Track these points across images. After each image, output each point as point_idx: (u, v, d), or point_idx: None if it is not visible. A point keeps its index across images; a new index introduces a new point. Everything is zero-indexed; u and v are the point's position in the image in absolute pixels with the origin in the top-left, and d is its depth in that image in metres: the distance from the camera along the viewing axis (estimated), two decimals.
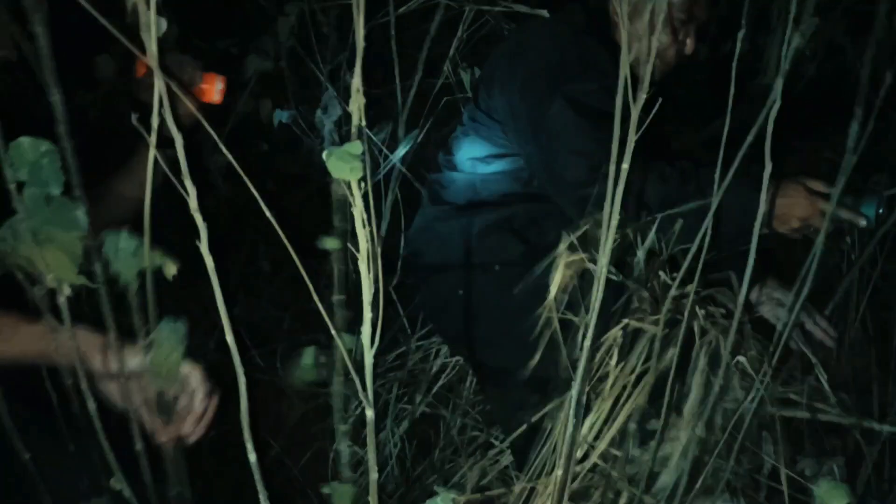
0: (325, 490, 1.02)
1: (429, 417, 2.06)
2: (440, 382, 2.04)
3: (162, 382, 0.93)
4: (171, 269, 0.78)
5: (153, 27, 0.61)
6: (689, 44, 1.69)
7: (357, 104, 0.58)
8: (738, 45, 1.08)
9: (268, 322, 2.20)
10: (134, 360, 1.00)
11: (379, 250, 0.68)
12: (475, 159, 1.80)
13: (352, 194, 0.66)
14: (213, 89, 1.40)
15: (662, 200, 1.49)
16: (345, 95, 2.21)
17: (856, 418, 1.43)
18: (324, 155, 0.59)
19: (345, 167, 0.57)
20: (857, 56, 2.27)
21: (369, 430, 0.78)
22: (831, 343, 1.73)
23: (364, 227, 0.67)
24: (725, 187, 1.25)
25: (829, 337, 1.72)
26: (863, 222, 1.50)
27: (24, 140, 0.70)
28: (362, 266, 0.69)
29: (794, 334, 1.73)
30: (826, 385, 1.45)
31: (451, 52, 2.08)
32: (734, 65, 1.07)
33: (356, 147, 0.58)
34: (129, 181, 1.41)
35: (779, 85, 0.96)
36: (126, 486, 0.88)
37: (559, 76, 1.60)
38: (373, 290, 0.71)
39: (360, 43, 0.58)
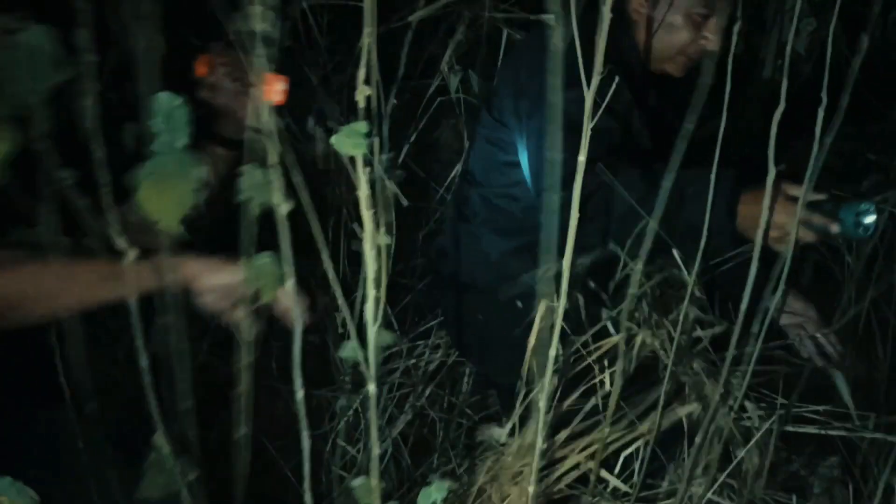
0: (354, 484, 1.01)
1: (424, 417, 2.08)
2: (436, 380, 2.06)
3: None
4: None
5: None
6: (713, 39, 1.67)
7: (362, 94, 0.62)
8: (734, 39, 1.11)
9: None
10: (233, 275, 1.18)
11: (383, 230, 0.72)
12: (490, 169, 1.82)
13: (356, 175, 0.69)
14: (275, 89, 1.40)
15: (627, 209, 1.51)
16: (337, 101, 2.24)
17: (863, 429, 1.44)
18: (332, 138, 0.64)
19: (349, 143, 0.61)
20: (852, 55, 2.30)
21: (372, 404, 0.82)
22: (837, 356, 1.75)
23: (368, 208, 0.71)
24: (694, 192, 1.28)
25: (835, 350, 1.74)
26: (835, 228, 1.39)
27: (163, 94, 0.78)
28: (366, 245, 0.73)
29: (807, 345, 1.76)
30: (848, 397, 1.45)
31: (448, 54, 2.11)
32: (730, 61, 1.09)
33: (362, 126, 0.62)
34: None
35: (783, 87, 0.99)
36: (167, 444, 0.92)
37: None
38: (375, 268, 0.74)
39: (367, 46, 0.62)
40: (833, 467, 1.57)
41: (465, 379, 2.14)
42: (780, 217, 1.39)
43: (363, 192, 0.71)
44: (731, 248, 1.40)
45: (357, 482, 0.95)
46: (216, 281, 1.21)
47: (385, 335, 0.84)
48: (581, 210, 1.55)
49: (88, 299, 1.16)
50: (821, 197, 1.40)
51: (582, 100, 1.57)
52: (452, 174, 2.26)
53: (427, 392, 2.12)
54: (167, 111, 0.76)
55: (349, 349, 0.85)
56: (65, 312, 1.11)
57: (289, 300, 1.13)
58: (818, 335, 1.74)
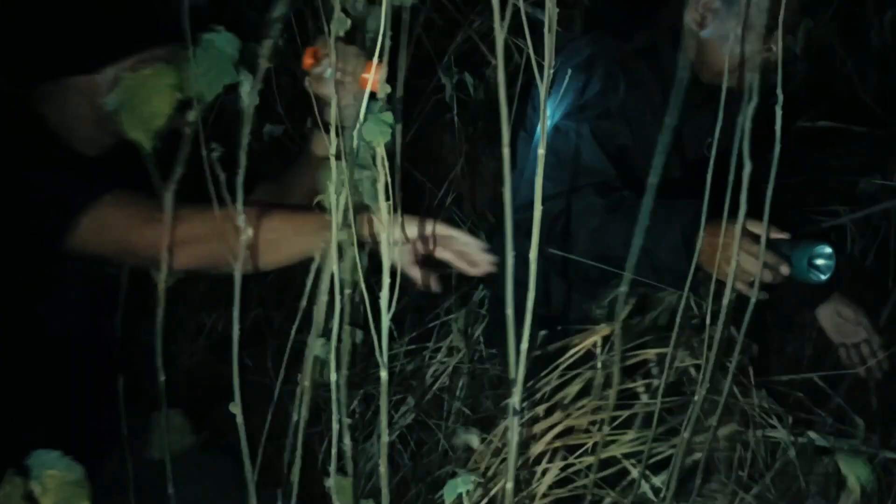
0: (328, 484, 1.05)
1: (422, 421, 2.09)
2: (436, 385, 2.08)
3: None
4: None
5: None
6: (777, 50, 1.54)
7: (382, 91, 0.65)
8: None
9: (257, 322, 2.23)
10: (411, 229, 1.19)
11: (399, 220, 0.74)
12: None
13: (376, 165, 0.72)
14: (377, 78, 1.42)
15: (590, 233, 1.54)
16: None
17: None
18: (359, 126, 0.67)
19: (376, 130, 0.64)
20: (846, 57, 2.33)
21: (383, 393, 0.84)
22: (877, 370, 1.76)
23: (387, 198, 0.74)
24: (653, 224, 1.30)
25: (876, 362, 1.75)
26: (785, 270, 1.37)
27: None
28: (382, 234, 0.76)
29: (851, 353, 1.78)
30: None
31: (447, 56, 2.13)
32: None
33: (388, 116, 0.65)
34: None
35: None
36: (240, 412, 0.96)
37: (572, 105, 1.65)
38: (391, 260, 0.77)
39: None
40: None
41: (462, 381, 2.15)
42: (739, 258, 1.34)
43: (381, 180, 0.74)
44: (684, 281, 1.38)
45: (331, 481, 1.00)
46: (406, 234, 1.21)
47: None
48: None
49: (283, 251, 1.19)
50: (783, 236, 1.39)
51: (587, 136, 1.60)
52: (451, 176, 2.29)
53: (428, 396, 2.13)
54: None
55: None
56: (263, 264, 1.17)
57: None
58: (863, 343, 1.75)
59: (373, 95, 1.56)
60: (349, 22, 0.79)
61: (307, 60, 1.40)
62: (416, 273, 1.26)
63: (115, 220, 1.20)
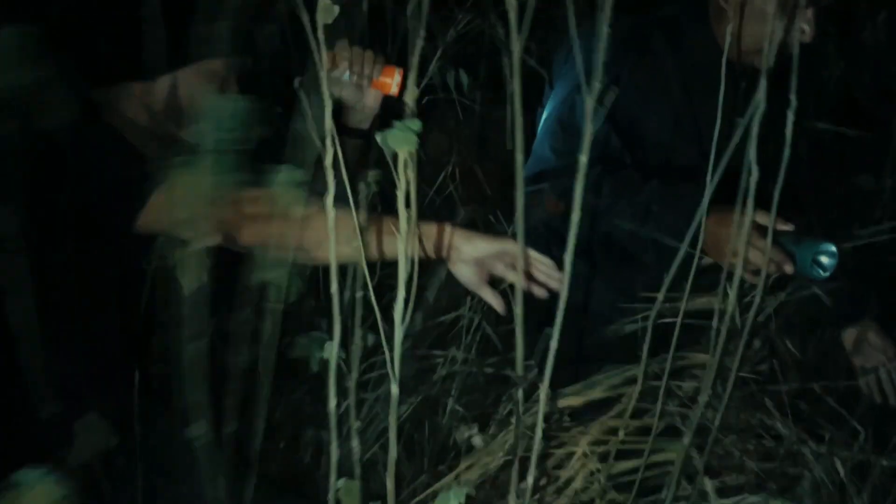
0: (338, 486, 1.02)
1: (417, 418, 2.07)
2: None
3: None
4: None
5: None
6: (809, 31, 1.55)
7: (411, 96, 0.62)
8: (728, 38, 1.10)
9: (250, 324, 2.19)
10: (481, 246, 1.26)
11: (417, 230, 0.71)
12: None
13: (397, 173, 0.69)
14: (393, 82, 1.48)
15: (595, 213, 1.53)
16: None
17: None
18: (377, 136, 0.64)
19: (402, 139, 0.61)
20: (839, 57, 2.32)
21: (392, 408, 0.81)
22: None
23: (406, 207, 0.71)
24: (659, 209, 1.29)
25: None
26: (789, 269, 1.38)
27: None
28: (399, 245, 0.73)
29: (871, 380, 1.76)
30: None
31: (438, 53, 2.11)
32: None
33: (415, 123, 0.62)
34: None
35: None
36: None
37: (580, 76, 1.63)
38: (408, 271, 0.74)
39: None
40: None
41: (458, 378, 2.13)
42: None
43: (402, 189, 0.71)
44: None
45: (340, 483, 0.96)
46: (475, 252, 1.26)
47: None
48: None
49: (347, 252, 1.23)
50: (787, 228, 1.40)
51: (579, 102, 1.58)
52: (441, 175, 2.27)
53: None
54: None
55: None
56: (320, 260, 1.20)
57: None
58: (882, 370, 1.74)
59: (390, 98, 1.59)
60: (336, 9, 0.76)
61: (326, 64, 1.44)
62: (487, 294, 1.29)
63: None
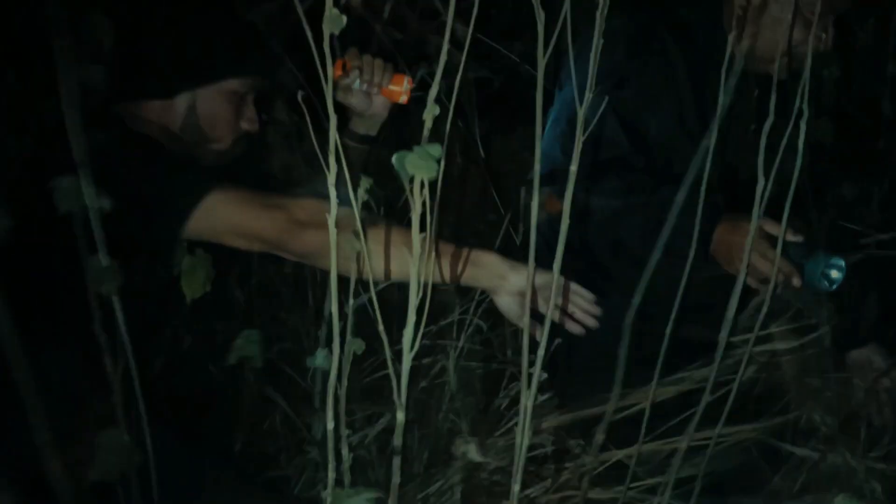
0: (325, 494, 1.01)
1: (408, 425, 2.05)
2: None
3: None
4: None
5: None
6: (826, 38, 1.53)
7: (430, 115, 0.60)
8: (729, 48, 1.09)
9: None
10: (520, 280, 1.25)
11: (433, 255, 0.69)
12: None
13: (412, 196, 0.67)
14: (402, 90, 1.51)
15: (605, 220, 1.53)
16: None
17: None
18: (394, 158, 0.62)
19: (423, 165, 0.59)
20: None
21: (397, 434, 0.79)
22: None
23: (420, 231, 0.68)
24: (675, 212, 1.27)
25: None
26: (797, 282, 1.38)
27: None
28: (413, 270, 0.71)
29: (870, 398, 1.74)
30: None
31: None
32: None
33: (436, 149, 0.60)
34: None
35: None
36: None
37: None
38: (420, 296, 0.72)
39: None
40: None
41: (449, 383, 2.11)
42: (752, 258, 1.38)
43: (416, 214, 0.68)
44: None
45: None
46: (522, 283, 1.24)
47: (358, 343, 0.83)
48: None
49: (398, 271, 1.23)
50: (797, 239, 1.39)
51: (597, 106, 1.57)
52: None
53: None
54: None
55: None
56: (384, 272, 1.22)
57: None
58: (879, 388, 1.72)
59: (399, 106, 1.59)
60: (345, 19, 0.74)
61: (336, 71, 1.46)
62: (533, 328, 1.25)
63: (230, 208, 1.28)
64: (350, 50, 1.48)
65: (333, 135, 0.74)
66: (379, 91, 1.51)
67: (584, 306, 1.28)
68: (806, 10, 1.48)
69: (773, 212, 1.12)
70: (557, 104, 1.72)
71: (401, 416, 0.80)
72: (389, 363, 0.81)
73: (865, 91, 2.23)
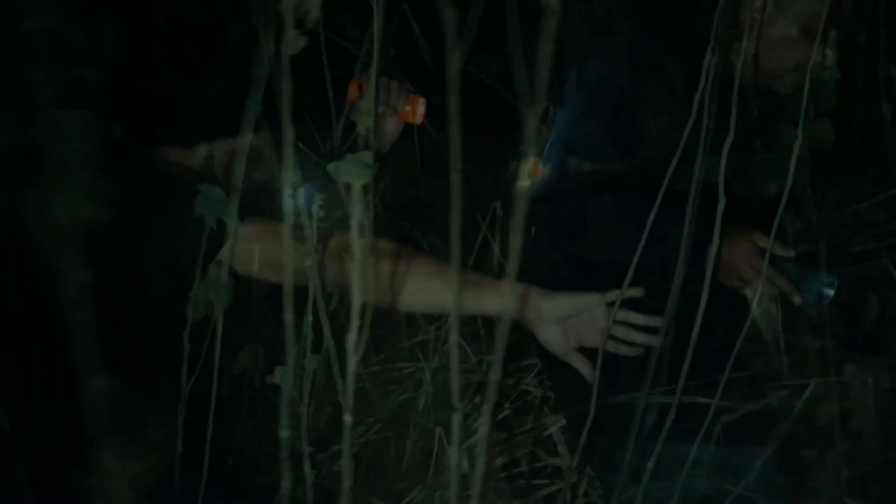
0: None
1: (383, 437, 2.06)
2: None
3: None
4: None
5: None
6: (830, 54, 1.55)
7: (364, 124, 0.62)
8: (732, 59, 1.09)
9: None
10: (564, 304, 1.22)
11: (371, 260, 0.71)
12: None
13: (350, 201, 0.69)
14: (416, 111, 1.55)
15: (601, 236, 1.53)
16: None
17: None
18: (329, 166, 0.63)
19: (353, 171, 0.61)
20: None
21: (345, 439, 0.81)
22: None
23: (359, 237, 0.70)
24: (663, 233, 1.29)
25: None
26: (797, 300, 1.42)
27: None
28: (354, 274, 0.72)
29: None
30: None
31: None
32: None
33: (367, 156, 0.62)
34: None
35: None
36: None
37: (589, 94, 1.64)
38: (361, 301, 0.73)
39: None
40: None
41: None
42: (745, 272, 1.41)
43: (356, 219, 0.70)
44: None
45: None
46: (558, 311, 1.21)
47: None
48: (550, 222, 1.56)
49: (433, 302, 1.23)
50: (788, 255, 1.41)
51: (599, 135, 1.58)
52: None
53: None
54: None
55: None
56: (407, 308, 1.23)
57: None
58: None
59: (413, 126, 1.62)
60: (304, 40, 0.75)
61: (352, 93, 1.49)
62: (578, 363, 1.25)
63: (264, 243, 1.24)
64: (366, 71, 1.46)
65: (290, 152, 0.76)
66: (395, 113, 1.54)
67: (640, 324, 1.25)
68: (813, 29, 1.48)
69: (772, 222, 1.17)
70: (556, 124, 1.74)
71: (347, 418, 0.81)
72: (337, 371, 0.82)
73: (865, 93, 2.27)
